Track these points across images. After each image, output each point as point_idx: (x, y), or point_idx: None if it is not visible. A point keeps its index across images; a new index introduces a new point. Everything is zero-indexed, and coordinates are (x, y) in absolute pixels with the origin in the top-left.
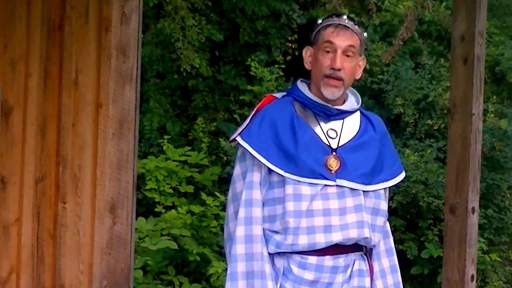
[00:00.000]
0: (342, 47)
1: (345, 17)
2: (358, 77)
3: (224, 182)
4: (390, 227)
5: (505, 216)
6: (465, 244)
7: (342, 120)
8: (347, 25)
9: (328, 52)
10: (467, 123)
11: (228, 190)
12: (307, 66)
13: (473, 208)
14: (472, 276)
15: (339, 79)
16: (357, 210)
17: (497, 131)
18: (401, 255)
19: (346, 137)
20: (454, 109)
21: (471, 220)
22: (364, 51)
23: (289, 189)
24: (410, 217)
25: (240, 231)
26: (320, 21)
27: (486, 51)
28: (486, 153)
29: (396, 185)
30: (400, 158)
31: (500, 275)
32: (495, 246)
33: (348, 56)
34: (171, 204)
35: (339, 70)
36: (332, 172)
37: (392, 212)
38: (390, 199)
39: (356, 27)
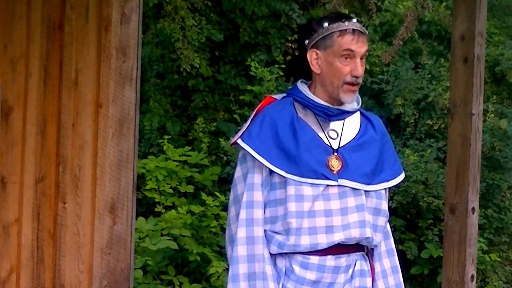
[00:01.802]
0: (361, 54)
1: (355, 20)
2: None
3: (224, 182)
4: (390, 227)
5: (505, 216)
6: (465, 244)
7: (342, 121)
8: (361, 30)
9: (346, 59)
10: (467, 123)
11: (228, 190)
12: (316, 69)
13: (473, 208)
14: (472, 276)
15: (358, 84)
16: (359, 210)
17: (497, 131)
18: (401, 255)
19: (347, 137)
20: (454, 109)
21: (471, 220)
22: None
23: (291, 190)
24: (410, 217)
25: (241, 233)
26: (326, 24)
27: (486, 51)
28: (486, 153)
29: (396, 185)
30: (400, 158)
31: (500, 275)
32: (495, 246)
33: (362, 59)
34: (171, 204)
35: (359, 77)
36: (334, 172)
37: (392, 212)
38: (390, 199)
39: (364, 29)
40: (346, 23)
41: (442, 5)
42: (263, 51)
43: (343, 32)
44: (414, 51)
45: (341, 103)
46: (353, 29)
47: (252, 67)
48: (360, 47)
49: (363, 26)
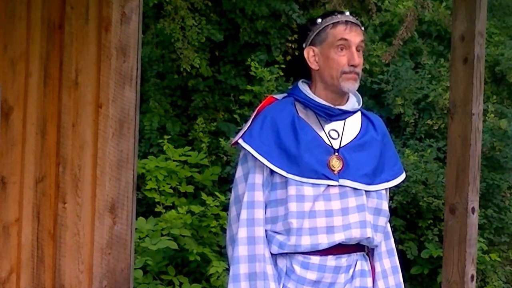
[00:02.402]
0: (356, 43)
1: (348, 13)
2: None
3: (224, 182)
4: (390, 227)
5: (505, 216)
6: (465, 244)
7: (343, 121)
8: (355, 21)
9: (342, 49)
10: (467, 123)
11: (228, 190)
12: (314, 66)
13: (473, 208)
14: (472, 276)
15: (357, 73)
16: (360, 210)
17: (497, 131)
18: (401, 255)
19: (348, 137)
20: (454, 109)
21: (471, 220)
22: None
23: (292, 190)
24: (410, 217)
25: (242, 233)
26: (319, 20)
27: (486, 51)
28: (486, 153)
29: (396, 186)
30: (400, 158)
31: (500, 275)
32: (495, 246)
33: (358, 51)
34: (171, 204)
35: (357, 66)
36: (335, 172)
37: (392, 212)
38: (390, 199)
39: (358, 21)
40: (339, 15)
41: (442, 5)
42: (263, 51)
43: (335, 23)
44: (414, 51)
45: (343, 96)
46: (346, 20)
47: (252, 67)
48: (354, 36)
49: (357, 20)
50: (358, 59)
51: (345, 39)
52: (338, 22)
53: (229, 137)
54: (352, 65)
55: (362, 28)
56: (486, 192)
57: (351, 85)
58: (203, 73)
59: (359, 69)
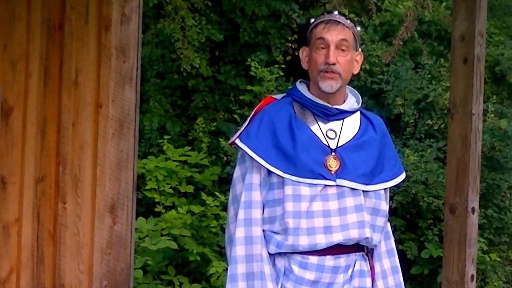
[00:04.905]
0: (335, 42)
1: (335, 12)
2: (356, 72)
3: (224, 182)
4: (390, 227)
5: (505, 216)
6: (465, 244)
7: (341, 121)
8: (337, 19)
9: (322, 48)
10: (467, 123)
11: (228, 190)
12: (304, 66)
13: (473, 208)
14: (472, 276)
15: (335, 72)
16: (358, 210)
17: (497, 131)
18: (401, 255)
19: (345, 137)
20: (454, 109)
21: (471, 220)
22: (359, 45)
23: (288, 190)
24: (410, 217)
25: (239, 233)
26: (312, 20)
27: (486, 51)
28: (486, 153)
29: (396, 186)
30: (400, 158)
31: (500, 275)
32: (495, 246)
33: (342, 50)
34: (171, 204)
35: (333, 64)
36: (332, 172)
37: (392, 212)
38: (390, 199)
39: (348, 21)
40: (326, 15)
41: (442, 5)
42: (263, 51)
43: (318, 23)
44: (414, 51)
45: (330, 95)
46: (329, 19)
47: (252, 67)
48: (333, 35)
49: (347, 18)
50: (334, 57)
51: (322, 38)
52: (320, 22)
53: (229, 137)
54: (327, 63)
55: (358, 28)
56: (486, 192)
57: (328, 85)
58: (203, 73)
59: (337, 68)
